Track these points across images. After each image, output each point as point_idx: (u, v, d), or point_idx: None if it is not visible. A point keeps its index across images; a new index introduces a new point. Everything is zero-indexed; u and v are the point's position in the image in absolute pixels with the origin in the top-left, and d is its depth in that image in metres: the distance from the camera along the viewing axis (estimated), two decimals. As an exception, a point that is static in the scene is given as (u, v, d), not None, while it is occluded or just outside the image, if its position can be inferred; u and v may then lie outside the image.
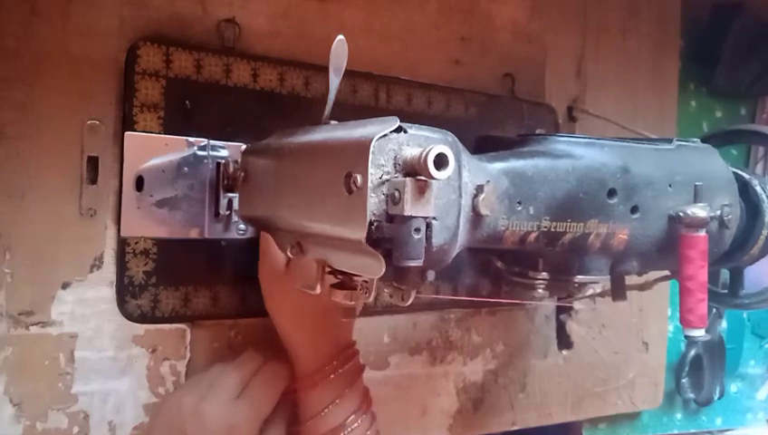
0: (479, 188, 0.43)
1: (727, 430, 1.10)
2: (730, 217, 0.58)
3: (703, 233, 0.54)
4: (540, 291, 0.57)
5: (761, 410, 1.14)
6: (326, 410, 0.55)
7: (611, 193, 0.51)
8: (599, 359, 0.88)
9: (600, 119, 0.83)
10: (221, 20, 0.60)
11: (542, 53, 0.82)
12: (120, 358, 0.57)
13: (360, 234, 0.37)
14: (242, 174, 0.54)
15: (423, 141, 0.39)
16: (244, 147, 0.58)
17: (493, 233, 0.46)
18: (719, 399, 1.05)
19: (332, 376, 0.56)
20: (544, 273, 0.56)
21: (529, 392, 0.81)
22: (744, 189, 0.63)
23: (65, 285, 0.55)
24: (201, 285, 0.59)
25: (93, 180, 0.55)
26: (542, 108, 0.80)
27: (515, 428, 0.81)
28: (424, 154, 0.36)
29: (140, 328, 0.57)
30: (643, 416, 0.99)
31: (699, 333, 0.55)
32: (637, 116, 0.88)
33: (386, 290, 0.43)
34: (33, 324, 0.54)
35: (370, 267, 0.38)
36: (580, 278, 0.54)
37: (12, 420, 0.53)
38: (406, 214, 0.36)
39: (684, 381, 1.02)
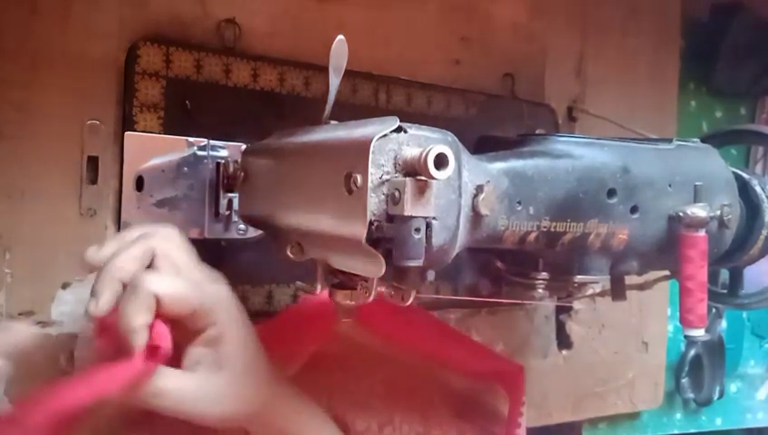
0: (479, 188, 0.43)
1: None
2: (730, 217, 0.58)
3: (703, 233, 0.54)
4: (540, 291, 0.57)
5: (761, 410, 1.14)
6: None
7: (611, 193, 0.51)
8: (599, 359, 0.88)
9: (600, 119, 0.82)
10: (221, 20, 0.60)
11: (542, 53, 0.82)
12: (120, 358, 0.57)
13: (360, 234, 0.37)
14: (242, 174, 0.54)
15: (423, 141, 0.39)
16: (244, 147, 0.58)
17: (493, 233, 0.46)
18: (719, 399, 1.05)
19: None
20: (544, 273, 0.56)
21: (529, 392, 0.81)
22: (744, 189, 0.63)
23: (65, 285, 0.54)
24: (201, 284, 0.59)
25: (93, 180, 0.55)
26: (542, 108, 0.80)
27: (515, 428, 0.80)
28: (424, 154, 0.36)
29: (140, 328, 0.57)
30: (643, 416, 0.99)
31: (699, 333, 0.55)
32: (636, 116, 0.88)
33: (386, 290, 0.43)
34: (33, 324, 0.54)
35: (370, 267, 0.38)
36: (580, 278, 0.54)
37: (12, 420, 0.53)
38: (406, 214, 0.36)
39: (684, 381, 1.02)
